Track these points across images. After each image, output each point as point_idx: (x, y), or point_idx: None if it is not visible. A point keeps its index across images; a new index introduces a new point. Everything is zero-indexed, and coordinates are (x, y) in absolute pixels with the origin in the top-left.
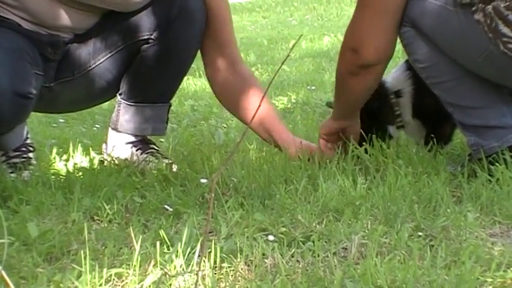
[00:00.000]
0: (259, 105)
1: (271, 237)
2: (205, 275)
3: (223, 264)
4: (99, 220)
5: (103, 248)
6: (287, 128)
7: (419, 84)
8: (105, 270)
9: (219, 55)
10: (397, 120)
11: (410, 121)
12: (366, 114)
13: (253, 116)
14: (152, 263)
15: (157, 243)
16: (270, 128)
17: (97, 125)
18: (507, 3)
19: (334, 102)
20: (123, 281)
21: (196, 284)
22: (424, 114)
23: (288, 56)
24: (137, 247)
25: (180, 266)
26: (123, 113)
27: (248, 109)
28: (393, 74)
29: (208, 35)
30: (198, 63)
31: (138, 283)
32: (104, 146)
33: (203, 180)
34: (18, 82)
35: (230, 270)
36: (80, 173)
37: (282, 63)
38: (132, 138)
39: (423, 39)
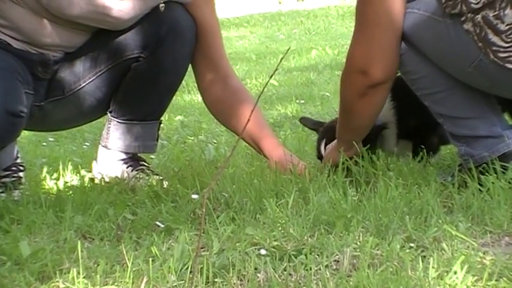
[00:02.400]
0: (249, 119)
1: (263, 251)
2: None
3: (216, 280)
4: (90, 238)
5: (95, 265)
6: (278, 142)
7: (403, 109)
8: None
9: (210, 70)
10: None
11: (393, 149)
12: None
13: (243, 129)
14: (145, 279)
15: (150, 259)
16: (260, 143)
17: (87, 143)
18: (496, 13)
19: (340, 132)
20: None
21: None
22: (409, 133)
23: (276, 70)
24: (129, 264)
25: (173, 282)
26: (113, 131)
27: (240, 122)
28: None
29: (199, 51)
30: (186, 78)
31: None
32: (94, 163)
33: (194, 196)
34: (9, 100)
35: (223, 285)
36: (71, 191)
37: (270, 77)
38: (123, 156)
39: (413, 50)
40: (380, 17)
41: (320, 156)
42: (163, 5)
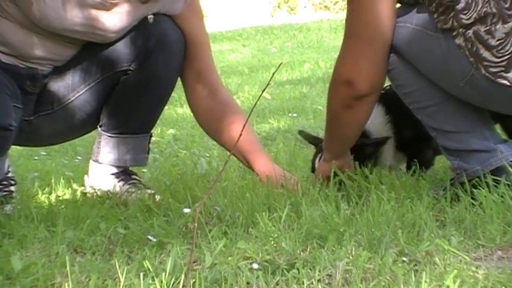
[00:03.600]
0: (240, 135)
1: (255, 266)
2: None
3: None
4: (82, 252)
5: (87, 280)
6: (268, 157)
7: (399, 121)
8: None
9: (199, 83)
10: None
11: (391, 163)
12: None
13: (235, 144)
14: None
15: (142, 274)
16: (250, 158)
17: (79, 157)
18: (487, 28)
19: (326, 143)
20: None
21: None
22: (405, 145)
23: (269, 83)
24: (122, 279)
25: None
26: (104, 145)
27: (230, 136)
28: (374, 121)
29: (187, 63)
30: (178, 92)
31: None
32: (85, 177)
33: (186, 210)
34: None
35: None
36: (63, 206)
37: (263, 91)
38: (114, 170)
39: (406, 64)
40: (367, 30)
41: (313, 169)
42: (151, 16)
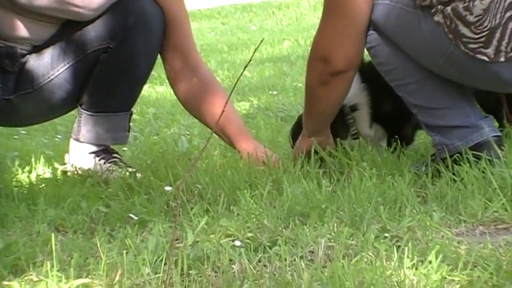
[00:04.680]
0: (222, 113)
1: (237, 243)
2: (173, 282)
3: (190, 272)
4: (64, 231)
5: (69, 258)
6: (249, 135)
7: (376, 92)
8: (71, 281)
9: (179, 60)
10: (352, 133)
11: (368, 133)
12: None
13: (217, 122)
14: (119, 272)
15: (124, 252)
16: (232, 136)
17: (59, 136)
18: (465, 4)
19: (305, 119)
20: None
21: None
22: (384, 118)
23: (250, 61)
24: (103, 257)
25: (148, 275)
26: (84, 123)
27: (211, 115)
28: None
29: (167, 41)
30: (158, 70)
31: None
32: (66, 156)
33: (167, 188)
34: None
35: (198, 277)
36: (43, 185)
37: (244, 69)
38: (95, 148)
39: (386, 42)
40: (344, 6)
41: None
42: None
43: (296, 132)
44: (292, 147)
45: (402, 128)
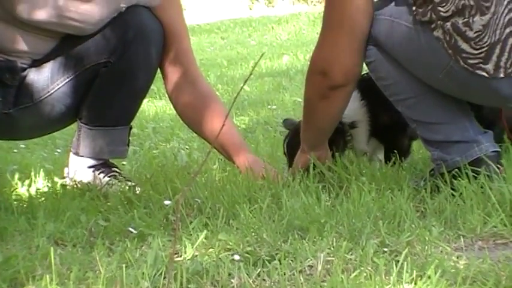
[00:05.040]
0: (222, 128)
1: (236, 257)
2: None
3: (189, 286)
4: (63, 244)
5: (68, 272)
6: (248, 149)
7: (375, 108)
8: None
9: (178, 74)
10: (349, 148)
11: (365, 148)
12: None
13: (216, 137)
14: (118, 286)
15: (123, 266)
16: (230, 151)
17: (58, 150)
18: (465, 20)
19: (303, 134)
20: None
21: None
22: (380, 132)
23: (250, 75)
24: (103, 270)
25: None
26: (83, 137)
27: (210, 129)
28: (349, 105)
29: (166, 55)
30: (157, 84)
31: None
32: (66, 170)
33: (167, 202)
34: None
35: None
36: (43, 198)
37: (244, 84)
38: (94, 162)
39: (385, 57)
40: (343, 21)
41: (285, 153)
42: (124, 5)
43: (290, 143)
44: (288, 161)
45: (398, 140)
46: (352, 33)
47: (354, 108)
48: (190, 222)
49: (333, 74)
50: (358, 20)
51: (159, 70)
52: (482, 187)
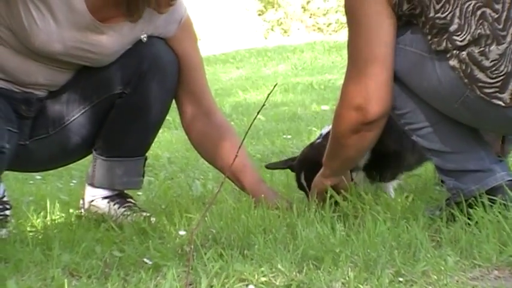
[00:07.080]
0: (235, 157)
1: (251, 287)
2: None
3: None
4: (78, 276)
5: None
6: (260, 178)
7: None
8: None
9: (194, 105)
10: None
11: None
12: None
13: (231, 165)
14: None
15: None
16: (244, 181)
17: (74, 181)
18: (481, 49)
19: (327, 161)
20: None
21: None
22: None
23: (264, 105)
24: None
25: None
26: (98, 168)
27: (224, 159)
28: None
29: (181, 86)
30: (173, 114)
31: None
32: (81, 201)
33: (181, 232)
34: None
35: None
36: (58, 229)
37: (258, 113)
38: (109, 193)
39: (400, 85)
40: (376, 54)
41: (301, 187)
42: (145, 35)
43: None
44: (300, 188)
45: (388, 167)
46: (386, 66)
47: None
48: (205, 253)
49: (370, 109)
50: (390, 52)
51: (174, 100)
52: (498, 216)
